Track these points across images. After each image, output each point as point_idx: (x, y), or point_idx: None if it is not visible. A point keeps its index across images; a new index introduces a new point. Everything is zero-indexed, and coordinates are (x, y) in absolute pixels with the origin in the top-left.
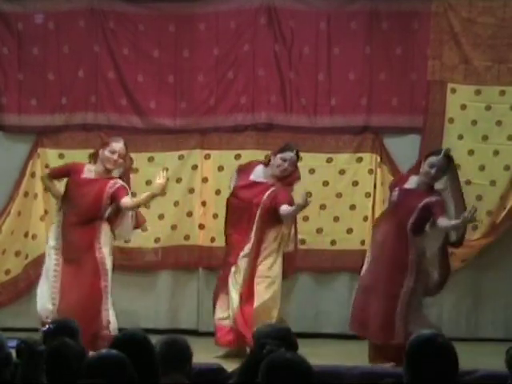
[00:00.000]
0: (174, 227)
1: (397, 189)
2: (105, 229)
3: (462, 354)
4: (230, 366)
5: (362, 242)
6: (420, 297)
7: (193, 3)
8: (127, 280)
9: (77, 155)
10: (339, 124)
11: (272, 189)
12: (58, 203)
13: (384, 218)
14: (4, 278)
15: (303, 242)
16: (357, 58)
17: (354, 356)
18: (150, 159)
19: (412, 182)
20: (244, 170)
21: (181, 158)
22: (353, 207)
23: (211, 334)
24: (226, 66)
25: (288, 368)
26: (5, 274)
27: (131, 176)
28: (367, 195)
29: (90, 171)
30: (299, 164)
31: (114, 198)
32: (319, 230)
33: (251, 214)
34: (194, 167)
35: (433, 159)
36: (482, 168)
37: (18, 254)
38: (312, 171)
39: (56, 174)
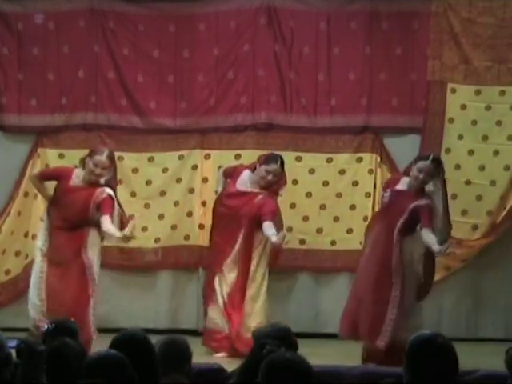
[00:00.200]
0: (174, 227)
1: (388, 190)
2: (92, 234)
3: (461, 353)
4: (230, 366)
5: (362, 242)
6: (411, 301)
7: (193, 3)
8: (127, 280)
9: (77, 155)
10: (339, 124)
11: (258, 197)
12: (46, 204)
13: (376, 220)
14: (4, 278)
15: (303, 242)
16: (357, 57)
17: (354, 356)
18: (150, 159)
19: (404, 184)
20: (231, 175)
21: (181, 158)
22: (353, 207)
23: None
24: (226, 66)
25: (288, 368)
26: (5, 274)
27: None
28: (367, 195)
29: (78, 177)
30: (299, 164)
31: (99, 208)
32: (319, 230)
33: (238, 223)
34: (194, 167)
35: (421, 164)
36: (482, 168)
37: (17, 253)
38: (312, 171)
39: (45, 176)
